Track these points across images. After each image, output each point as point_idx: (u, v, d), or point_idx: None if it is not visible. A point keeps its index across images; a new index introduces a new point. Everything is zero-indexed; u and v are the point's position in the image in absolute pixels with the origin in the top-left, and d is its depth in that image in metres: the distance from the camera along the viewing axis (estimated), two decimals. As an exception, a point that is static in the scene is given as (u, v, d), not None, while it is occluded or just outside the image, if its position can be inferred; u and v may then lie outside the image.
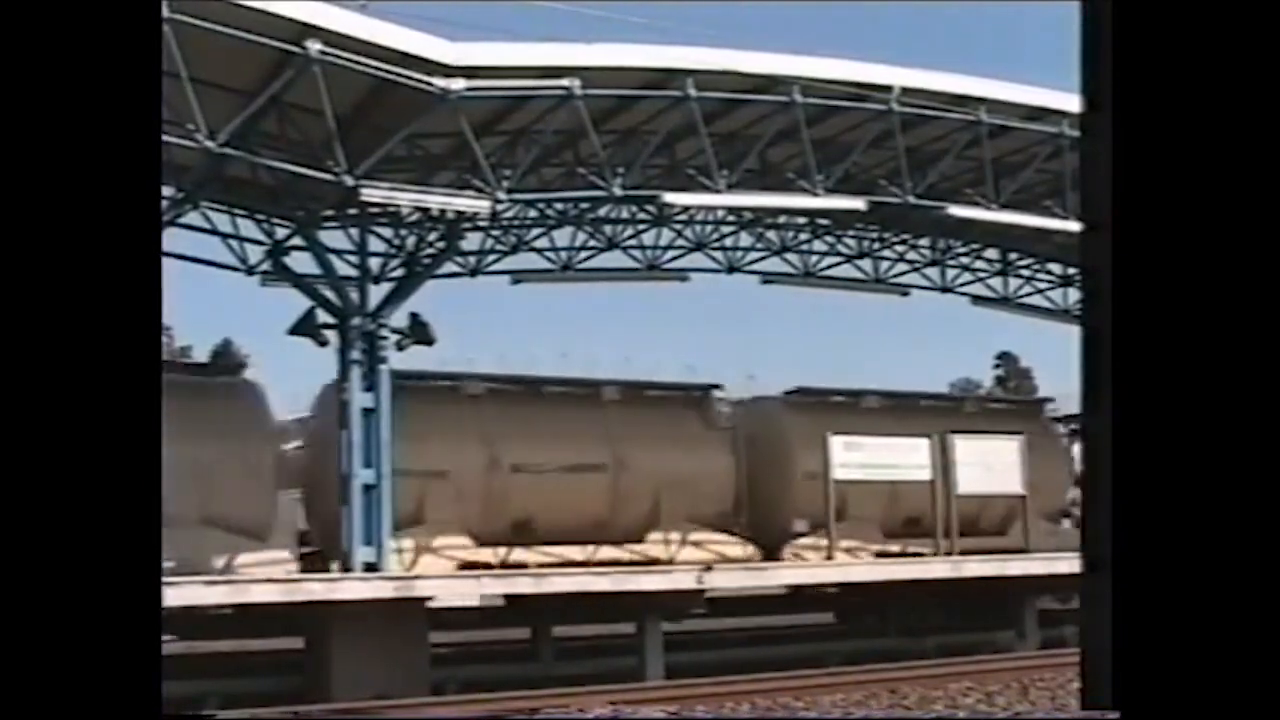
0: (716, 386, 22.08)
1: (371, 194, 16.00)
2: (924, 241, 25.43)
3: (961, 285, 26.30)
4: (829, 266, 25.23)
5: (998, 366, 54.92)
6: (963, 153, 18.88)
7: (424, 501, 18.23)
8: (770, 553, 19.97)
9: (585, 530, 18.78)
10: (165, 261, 14.57)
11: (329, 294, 17.83)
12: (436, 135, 17.32)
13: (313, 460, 18.68)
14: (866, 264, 25.27)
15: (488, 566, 17.97)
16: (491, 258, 23.13)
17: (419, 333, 17.93)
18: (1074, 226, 14.56)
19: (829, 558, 19.53)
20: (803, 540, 20.34)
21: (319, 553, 18.31)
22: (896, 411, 22.57)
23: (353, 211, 18.29)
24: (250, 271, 20.08)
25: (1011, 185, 19.42)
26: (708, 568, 18.14)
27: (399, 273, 19.20)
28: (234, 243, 19.90)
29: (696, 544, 19.82)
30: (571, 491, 18.89)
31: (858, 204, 19.25)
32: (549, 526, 18.80)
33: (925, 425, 20.80)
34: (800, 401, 22.21)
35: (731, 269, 24.62)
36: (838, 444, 19.63)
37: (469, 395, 19.63)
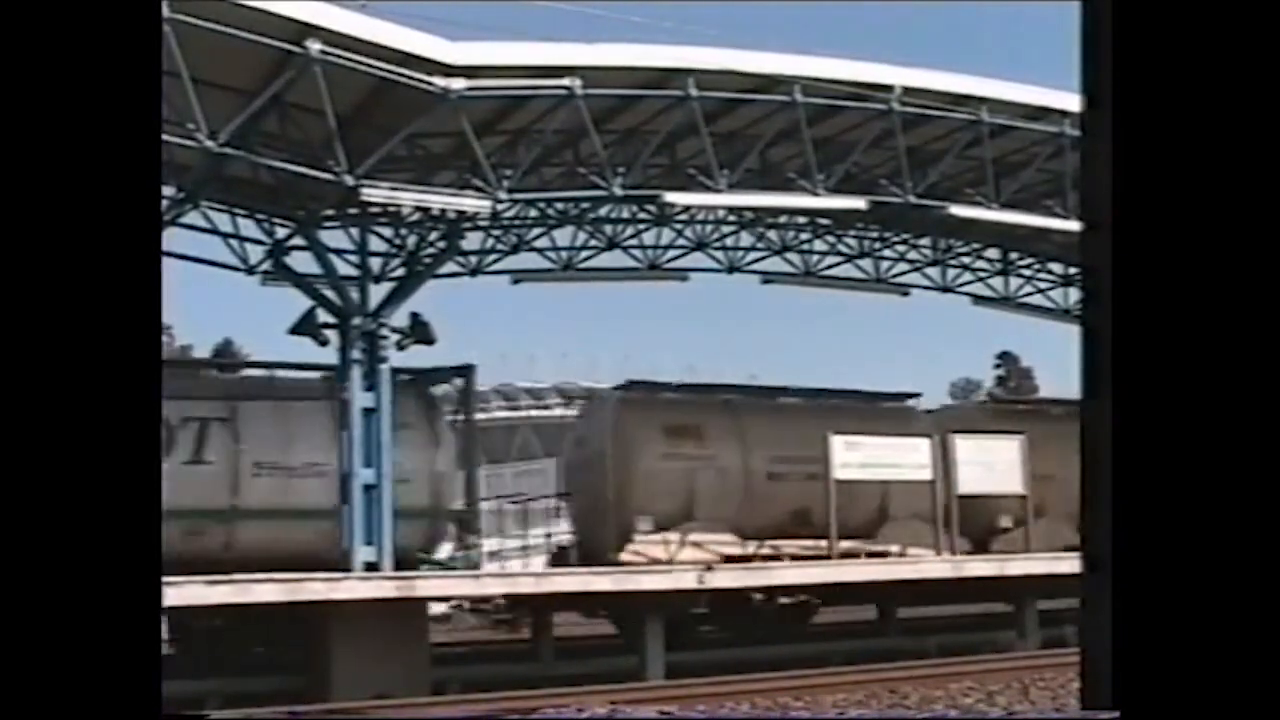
0: None
1: (372, 194, 16.01)
2: (925, 241, 25.43)
3: (962, 285, 26.30)
4: (829, 266, 25.24)
5: (998, 366, 54.92)
6: (963, 152, 18.89)
7: (1045, 500, 20.26)
8: None
9: None
10: (165, 261, 14.59)
11: (329, 294, 17.84)
12: (437, 135, 17.33)
13: None
14: (867, 264, 25.28)
15: None
16: (492, 258, 23.14)
17: (419, 332, 17.94)
18: (1074, 226, 14.58)
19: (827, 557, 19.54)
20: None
21: None
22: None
23: (353, 211, 18.30)
24: (251, 271, 20.09)
25: (1012, 185, 19.43)
26: (708, 567, 18.14)
27: (399, 272, 19.20)
28: (234, 242, 19.92)
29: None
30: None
31: (858, 204, 19.26)
32: None
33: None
34: None
35: (732, 269, 24.63)
36: (838, 443, 19.64)
37: (1053, 415, 22.16)
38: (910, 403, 22.73)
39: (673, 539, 18.60)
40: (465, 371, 19.38)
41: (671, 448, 19.04)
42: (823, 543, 19.11)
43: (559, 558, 19.64)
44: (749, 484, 19.58)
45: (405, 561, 16.86)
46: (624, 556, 18.21)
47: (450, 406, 19.47)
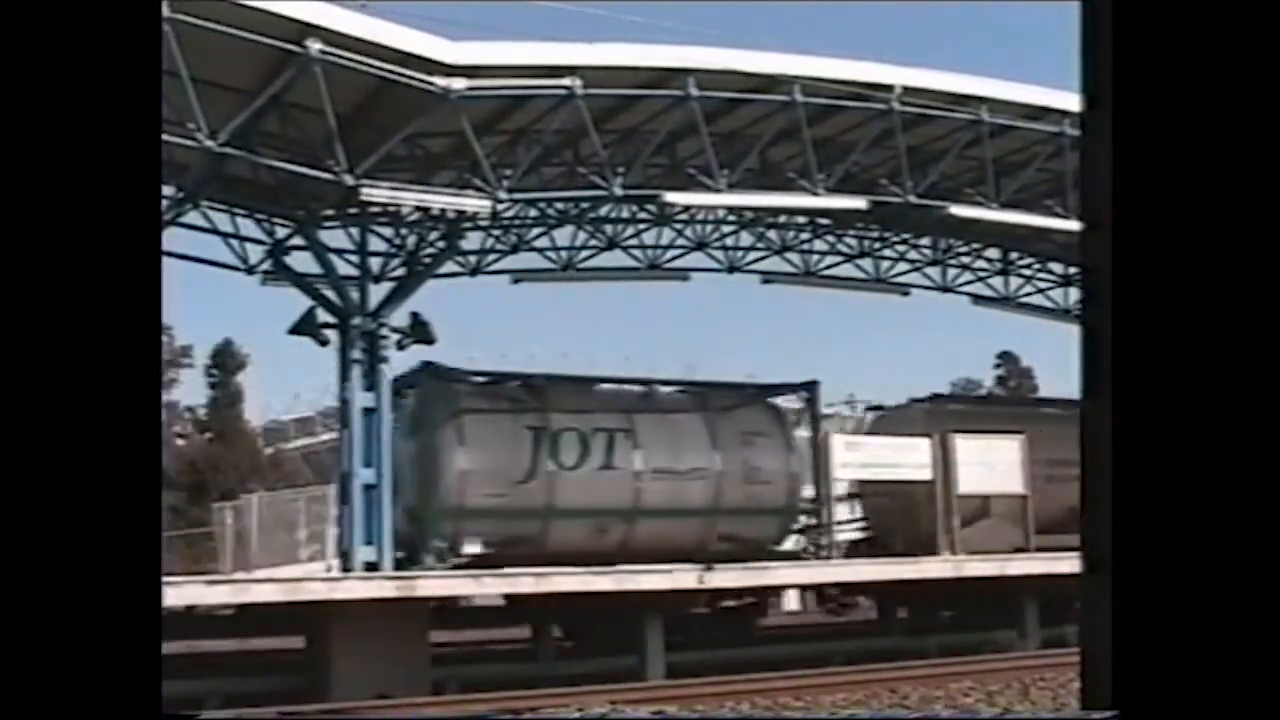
0: None
1: (372, 193, 16.03)
2: (925, 241, 25.45)
3: (962, 285, 26.32)
4: (830, 266, 25.26)
5: (998, 366, 54.86)
6: (963, 152, 18.90)
7: None
8: None
9: None
10: (165, 261, 14.59)
11: (329, 293, 17.86)
12: (437, 135, 17.34)
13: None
14: (867, 263, 25.30)
15: None
16: (491, 257, 23.15)
17: (419, 332, 17.96)
18: (1075, 226, 14.60)
19: (827, 557, 19.56)
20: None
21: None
22: None
23: (353, 211, 18.31)
24: (250, 271, 20.10)
25: (1012, 184, 19.44)
26: (708, 567, 18.14)
27: (399, 272, 19.22)
28: (234, 242, 19.93)
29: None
30: None
31: (858, 203, 19.27)
32: None
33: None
34: None
35: (732, 268, 24.64)
36: (838, 444, 19.67)
37: None
38: None
39: (978, 533, 20.43)
40: (810, 386, 21.16)
41: None
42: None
43: (876, 549, 21.30)
44: (1033, 485, 20.98)
45: (755, 554, 19.00)
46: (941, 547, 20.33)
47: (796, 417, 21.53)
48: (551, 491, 18.20)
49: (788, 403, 21.40)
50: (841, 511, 22.31)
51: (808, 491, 20.56)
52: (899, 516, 21.17)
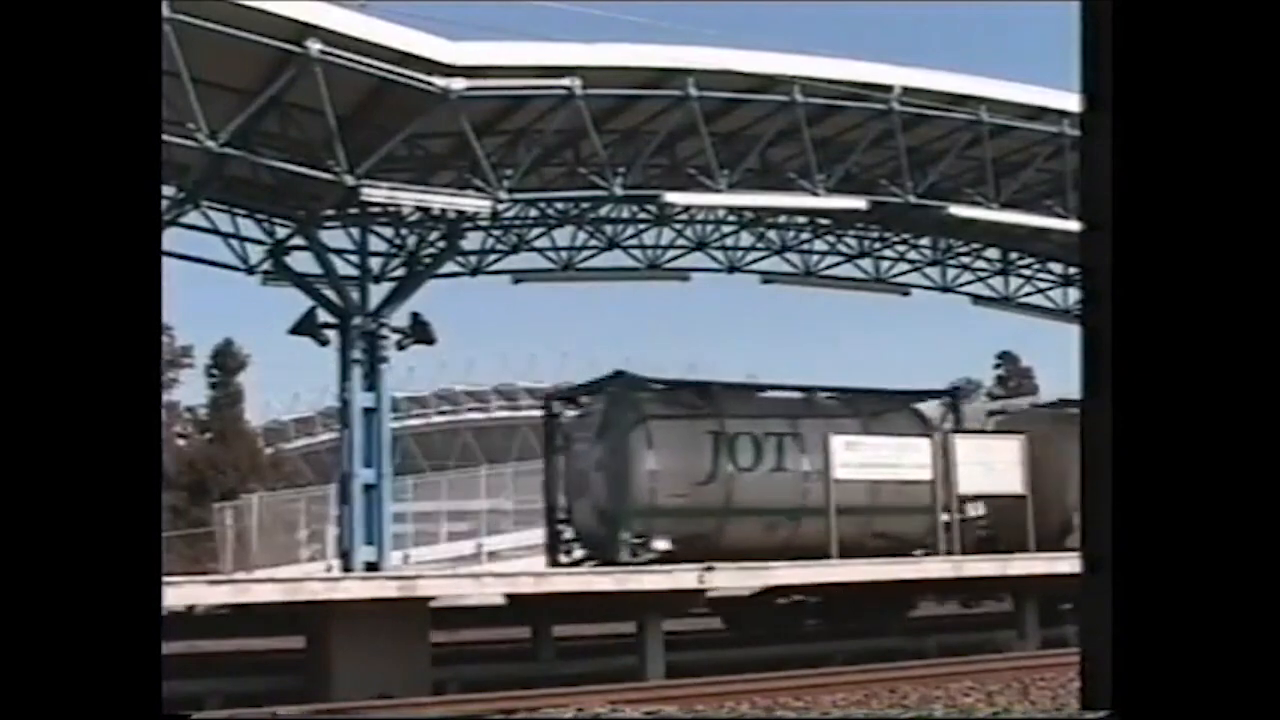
0: None
1: (372, 194, 16.04)
2: (925, 241, 25.46)
3: (962, 285, 26.33)
4: (830, 266, 25.28)
5: (998, 366, 54.86)
6: (963, 152, 18.91)
7: None
8: None
9: None
10: (165, 261, 14.60)
11: (330, 293, 17.86)
12: (437, 135, 17.34)
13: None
14: (867, 263, 25.32)
15: None
16: (492, 257, 23.17)
17: (419, 332, 17.97)
18: (1074, 226, 14.59)
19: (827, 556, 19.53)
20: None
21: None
22: None
23: (353, 211, 18.32)
24: (251, 271, 20.12)
25: (1012, 185, 19.45)
26: (708, 567, 18.13)
27: (400, 272, 19.22)
28: (235, 242, 19.95)
29: None
30: None
31: (858, 203, 19.27)
32: None
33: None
34: None
35: (732, 268, 24.66)
36: (838, 444, 19.65)
37: None
38: None
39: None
40: (954, 393, 22.11)
41: None
42: None
43: (984, 545, 21.64)
44: None
45: (905, 550, 19.83)
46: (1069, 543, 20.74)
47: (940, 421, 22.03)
48: (729, 492, 19.18)
49: (931, 408, 22.05)
50: (970, 511, 22.66)
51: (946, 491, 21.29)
52: (1015, 515, 21.38)
